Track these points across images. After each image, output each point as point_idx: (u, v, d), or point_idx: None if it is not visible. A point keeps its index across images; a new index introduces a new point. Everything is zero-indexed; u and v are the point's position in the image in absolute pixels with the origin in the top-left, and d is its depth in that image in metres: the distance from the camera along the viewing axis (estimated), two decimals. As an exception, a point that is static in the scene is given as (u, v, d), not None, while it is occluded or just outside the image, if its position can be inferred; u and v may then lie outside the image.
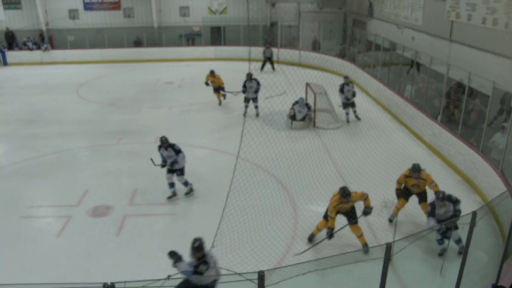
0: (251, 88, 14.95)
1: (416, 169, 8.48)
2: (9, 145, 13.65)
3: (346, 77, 14.79)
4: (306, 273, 4.52)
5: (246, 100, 15.13)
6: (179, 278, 6.10)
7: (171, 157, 9.78)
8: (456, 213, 7.69)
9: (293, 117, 14.47)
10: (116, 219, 9.23)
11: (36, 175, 11.31)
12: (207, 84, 16.60)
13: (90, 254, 8.18)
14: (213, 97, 17.17)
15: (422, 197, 8.79)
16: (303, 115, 14.41)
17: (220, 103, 17.02)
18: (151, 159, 10.08)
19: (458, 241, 7.77)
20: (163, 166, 9.99)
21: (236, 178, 8.07)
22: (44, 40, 26.06)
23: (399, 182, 8.80)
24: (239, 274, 5.34)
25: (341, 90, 14.64)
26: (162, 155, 9.93)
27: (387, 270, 4.64)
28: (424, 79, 14.49)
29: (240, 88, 15.26)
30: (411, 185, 8.69)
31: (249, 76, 14.87)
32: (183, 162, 9.93)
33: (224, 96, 17.03)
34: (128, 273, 7.30)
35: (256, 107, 15.24)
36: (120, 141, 13.55)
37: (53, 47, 26.20)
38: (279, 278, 4.42)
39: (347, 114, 14.82)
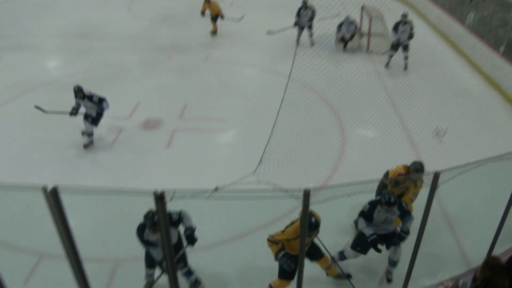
0: (305, 16, 14.43)
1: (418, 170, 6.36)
2: (63, 58, 13.95)
3: (404, 15, 12.80)
4: (352, 194, 4.54)
5: (300, 28, 14.65)
6: (226, 191, 6.29)
7: (91, 108, 8.96)
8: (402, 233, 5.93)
9: (342, 39, 14.05)
10: (166, 133, 9.48)
11: (90, 88, 11.57)
12: (203, 13, 15.63)
13: (141, 164, 8.51)
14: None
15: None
16: (351, 33, 13.96)
17: (215, 33, 15.90)
18: (37, 107, 9.36)
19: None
20: (72, 114, 9.02)
21: (286, 97, 8.02)
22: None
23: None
24: (285, 190, 5.44)
25: (395, 29, 12.52)
26: (77, 104, 9.06)
27: (433, 198, 4.60)
28: (489, 6, 13.55)
29: (294, 19, 14.55)
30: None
31: (305, 4, 14.31)
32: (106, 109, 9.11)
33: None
34: (176, 184, 7.58)
35: (311, 35, 14.74)
36: (171, 57, 13.59)
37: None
38: (324, 197, 4.47)
39: (391, 57, 12.89)
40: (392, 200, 5.48)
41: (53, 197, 3.58)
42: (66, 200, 3.68)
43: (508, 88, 11.14)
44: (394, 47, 12.77)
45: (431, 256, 6.28)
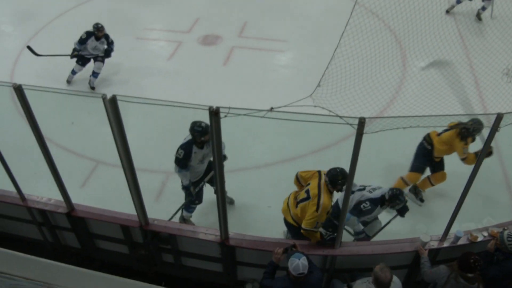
0: None
1: None
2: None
3: None
4: (407, 127, 4.44)
5: None
6: (281, 112, 6.28)
7: (98, 49, 8.39)
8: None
9: None
10: (224, 49, 9.46)
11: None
12: None
13: (197, 79, 8.61)
14: None
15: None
16: None
17: None
18: (29, 48, 8.70)
19: None
20: (75, 56, 8.43)
21: (351, 20, 7.73)
22: None
23: None
24: (341, 117, 5.37)
25: None
26: (82, 45, 8.31)
27: (492, 140, 4.45)
28: None
29: None
30: None
31: None
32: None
33: None
34: (231, 101, 7.65)
35: None
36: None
37: None
38: (379, 128, 4.41)
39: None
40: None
41: (112, 105, 3.72)
42: (123, 110, 3.81)
43: None
44: None
45: (480, 200, 6.19)
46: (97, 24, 8.16)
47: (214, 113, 3.74)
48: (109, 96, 3.68)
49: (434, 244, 5.11)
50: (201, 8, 10.98)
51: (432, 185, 6.32)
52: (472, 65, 9.14)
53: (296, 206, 4.91)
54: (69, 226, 5.49)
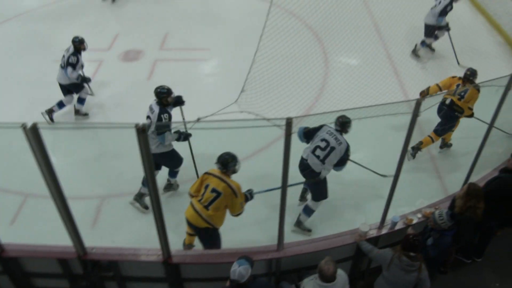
0: None
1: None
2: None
3: None
4: (332, 122, 4.58)
5: None
6: (208, 121, 6.27)
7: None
8: None
9: None
10: (147, 63, 9.32)
11: (67, 18, 11.17)
12: None
13: (122, 97, 8.41)
14: None
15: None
16: None
17: None
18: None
19: None
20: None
21: (269, 23, 7.85)
22: None
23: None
24: (267, 119, 5.43)
25: None
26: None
27: (414, 125, 4.65)
28: None
29: None
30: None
31: None
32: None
33: None
34: (160, 116, 7.55)
35: None
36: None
37: None
38: (306, 125, 4.49)
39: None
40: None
41: (34, 134, 3.56)
42: (47, 138, 3.66)
43: (495, 14, 10.98)
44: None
45: (411, 183, 6.46)
46: (76, 37, 7.66)
47: (141, 130, 3.64)
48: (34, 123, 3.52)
49: (373, 233, 5.27)
50: (119, 24, 10.77)
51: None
52: (389, 54, 9.53)
53: (208, 209, 4.97)
54: (1, 268, 5.19)
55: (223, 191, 4.90)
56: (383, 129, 7.25)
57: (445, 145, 7.43)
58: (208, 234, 5.18)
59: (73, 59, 7.49)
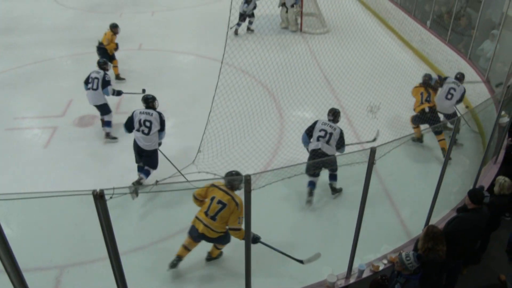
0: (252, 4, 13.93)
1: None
2: (-13, 54, 13.28)
3: None
4: (291, 176, 4.65)
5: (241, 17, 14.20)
6: (166, 183, 6.25)
7: None
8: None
9: (282, 4, 14.31)
10: (102, 128, 9.24)
11: (19, 86, 11.12)
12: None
13: (78, 163, 8.27)
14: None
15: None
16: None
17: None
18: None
19: None
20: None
21: (221, 83, 8.01)
22: None
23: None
24: (226, 178, 5.48)
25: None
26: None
27: (371, 173, 4.79)
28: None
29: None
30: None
31: None
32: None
33: None
34: (117, 180, 7.47)
35: (251, 23, 14.49)
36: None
37: None
38: (265, 182, 4.54)
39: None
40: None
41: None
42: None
43: (436, 62, 11.63)
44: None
45: (373, 230, 6.53)
46: (100, 60, 9.18)
47: (99, 196, 3.59)
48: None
49: (341, 282, 5.27)
50: (73, 89, 10.72)
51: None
52: (342, 106, 9.84)
53: (215, 219, 5.40)
54: None
55: (227, 203, 5.35)
56: (341, 180, 7.37)
57: (418, 140, 8.78)
58: (222, 238, 5.63)
59: (108, 77, 8.81)
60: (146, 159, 7.23)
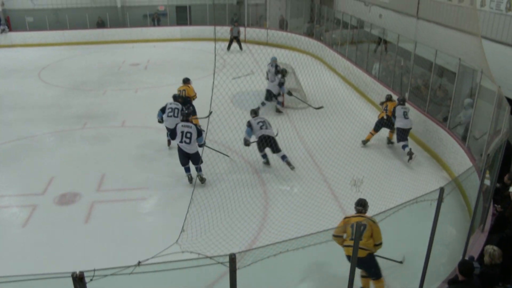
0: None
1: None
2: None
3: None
4: (277, 254, 4.57)
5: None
6: (149, 264, 6.08)
7: None
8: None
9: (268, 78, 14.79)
10: (83, 207, 9.12)
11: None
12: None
13: (58, 243, 8.07)
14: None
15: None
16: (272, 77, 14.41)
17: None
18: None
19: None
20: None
21: (203, 159, 8.04)
22: (1, 21, 25.08)
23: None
24: (210, 257, 5.37)
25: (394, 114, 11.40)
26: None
27: (357, 248, 4.74)
28: (391, 56, 14.66)
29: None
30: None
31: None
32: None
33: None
34: (98, 261, 7.25)
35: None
36: (86, 126, 13.33)
37: (10, 29, 25.19)
38: (250, 260, 4.46)
39: (406, 147, 11.08)
40: None
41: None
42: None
43: (416, 132, 11.90)
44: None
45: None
46: (175, 94, 11.97)
47: (79, 279, 3.49)
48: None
49: None
50: (54, 167, 10.69)
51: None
52: (326, 180, 9.91)
53: (361, 239, 6.15)
54: None
55: (366, 223, 6.20)
56: (324, 256, 7.26)
57: (390, 141, 11.83)
58: (368, 259, 6.30)
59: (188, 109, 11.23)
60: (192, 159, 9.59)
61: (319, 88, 15.02)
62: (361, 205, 6.78)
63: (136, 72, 19.54)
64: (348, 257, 6.28)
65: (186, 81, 12.89)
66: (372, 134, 11.68)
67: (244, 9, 26.03)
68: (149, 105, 15.07)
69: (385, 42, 15.27)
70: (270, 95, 14.17)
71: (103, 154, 11.44)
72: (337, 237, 6.34)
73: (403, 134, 10.93)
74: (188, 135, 9.42)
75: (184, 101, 11.73)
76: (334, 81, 16.15)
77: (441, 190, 5.72)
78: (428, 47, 12.06)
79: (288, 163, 10.09)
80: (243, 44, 23.03)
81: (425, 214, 8.18)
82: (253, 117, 10.48)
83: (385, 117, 11.48)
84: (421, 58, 12.61)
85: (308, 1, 25.42)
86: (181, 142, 9.45)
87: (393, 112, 11.20)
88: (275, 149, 10.12)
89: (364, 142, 11.67)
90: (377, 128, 11.62)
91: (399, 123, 11.03)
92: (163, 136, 11.89)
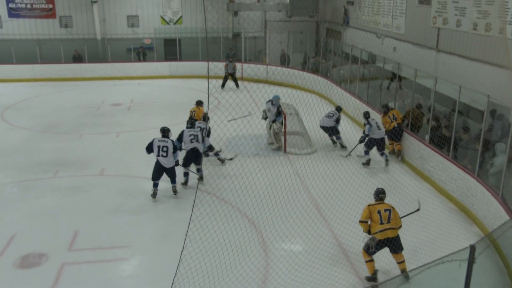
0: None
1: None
2: None
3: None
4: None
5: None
6: None
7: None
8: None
9: (265, 118, 15.18)
10: (51, 269, 8.83)
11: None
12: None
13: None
14: (168, 122, 16.97)
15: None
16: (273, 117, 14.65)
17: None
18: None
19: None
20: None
21: (195, 215, 7.88)
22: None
23: None
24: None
25: (368, 123, 13.80)
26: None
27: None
28: (408, 94, 14.71)
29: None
30: None
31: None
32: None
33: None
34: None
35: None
36: (57, 174, 13.14)
37: (-30, 61, 25.35)
38: None
39: (367, 154, 13.92)
40: None
41: None
42: None
43: (440, 181, 11.74)
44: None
45: None
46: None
47: None
48: None
49: None
50: (17, 223, 10.44)
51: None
52: (335, 235, 9.70)
53: (390, 222, 8.26)
54: None
55: (390, 207, 8.42)
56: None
57: (394, 152, 14.23)
58: (398, 237, 8.34)
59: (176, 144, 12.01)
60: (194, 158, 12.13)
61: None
62: (383, 192, 8.69)
63: (118, 114, 19.56)
64: (385, 240, 8.20)
65: (199, 103, 15.14)
66: (399, 145, 14.05)
67: (241, 42, 26.34)
68: (132, 151, 15.00)
69: (400, 78, 15.33)
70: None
71: (77, 207, 11.22)
72: (364, 222, 8.38)
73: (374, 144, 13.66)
74: (165, 149, 11.36)
75: (192, 123, 12.94)
76: (343, 123, 16.15)
77: (472, 248, 5.54)
78: (450, 83, 12.07)
79: (200, 178, 12.11)
80: (240, 82, 23.22)
81: (454, 277, 7.96)
82: (188, 127, 12.44)
83: (396, 125, 13.69)
84: (442, 95, 12.62)
85: (313, 33, 25.88)
86: (158, 155, 11.39)
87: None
88: (197, 162, 12.14)
89: (398, 155, 14.08)
90: (397, 138, 13.90)
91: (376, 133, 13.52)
92: (148, 186, 11.75)
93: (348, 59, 19.40)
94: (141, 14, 27.15)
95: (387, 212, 8.26)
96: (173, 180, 11.63)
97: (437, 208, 10.70)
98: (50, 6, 26.08)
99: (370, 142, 13.57)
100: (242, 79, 24.11)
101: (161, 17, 27.29)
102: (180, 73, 26.15)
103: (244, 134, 14.82)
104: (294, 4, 24.91)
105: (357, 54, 18.24)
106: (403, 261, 8.34)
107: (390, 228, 8.18)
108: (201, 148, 12.13)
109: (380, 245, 8.26)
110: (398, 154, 14.06)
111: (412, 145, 13.24)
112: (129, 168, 13.47)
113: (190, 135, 12.12)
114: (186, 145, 12.16)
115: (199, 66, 25.66)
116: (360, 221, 8.41)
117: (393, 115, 13.74)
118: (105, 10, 26.70)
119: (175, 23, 27.35)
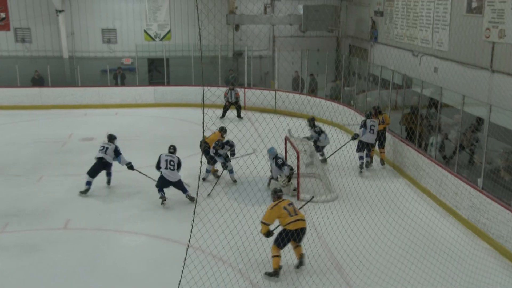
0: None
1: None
2: None
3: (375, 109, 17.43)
4: None
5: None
6: None
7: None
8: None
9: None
10: None
11: None
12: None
13: None
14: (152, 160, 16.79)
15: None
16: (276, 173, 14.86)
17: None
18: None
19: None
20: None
21: (186, 278, 7.83)
22: None
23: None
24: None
25: (364, 125, 16.78)
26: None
27: None
28: (453, 126, 14.50)
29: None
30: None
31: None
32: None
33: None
34: None
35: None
36: (6, 229, 12.93)
37: None
38: None
39: (362, 159, 16.79)
40: None
41: None
42: None
43: (499, 237, 11.40)
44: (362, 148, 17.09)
45: None
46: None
47: None
48: None
49: None
50: None
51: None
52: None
53: (297, 214, 10.54)
54: None
55: (291, 201, 10.76)
56: None
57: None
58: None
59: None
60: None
61: (350, 173, 14.71)
62: (281, 191, 10.99)
63: (89, 150, 19.23)
64: (297, 230, 10.35)
65: (221, 129, 16.57)
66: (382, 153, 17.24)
67: (244, 63, 26.25)
68: (106, 198, 14.80)
69: (440, 106, 15.13)
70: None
71: (31, 271, 10.96)
72: (266, 224, 10.47)
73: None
74: (172, 162, 14.07)
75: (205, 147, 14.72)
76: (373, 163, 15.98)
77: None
78: (509, 111, 11.84)
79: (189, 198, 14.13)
80: (242, 112, 23.20)
81: None
82: (170, 152, 14.42)
83: (382, 129, 16.96)
84: (499, 127, 12.37)
85: (332, 51, 25.77)
86: (166, 168, 14.04)
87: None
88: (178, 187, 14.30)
89: (382, 163, 17.17)
90: (381, 142, 17.13)
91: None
92: (125, 241, 11.51)
93: (377, 83, 19.32)
94: (119, 27, 27.38)
95: (291, 205, 10.55)
96: (184, 190, 14.24)
97: (495, 269, 10.54)
98: (3, 15, 26.22)
99: (361, 145, 16.64)
100: (245, 108, 24.11)
101: (145, 32, 27.47)
102: (168, 100, 26.22)
103: (247, 176, 14.59)
104: (309, 17, 25.02)
105: (388, 77, 18.12)
106: (300, 245, 10.68)
107: (300, 219, 10.43)
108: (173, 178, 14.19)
109: (292, 235, 10.31)
110: (383, 162, 17.23)
111: (460, 190, 12.94)
112: (102, 220, 13.22)
113: (165, 160, 14.20)
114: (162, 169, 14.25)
115: (192, 92, 25.71)
116: (262, 222, 10.47)
117: (382, 118, 16.96)
118: (73, 21, 26.85)
119: (162, 39, 27.46)
